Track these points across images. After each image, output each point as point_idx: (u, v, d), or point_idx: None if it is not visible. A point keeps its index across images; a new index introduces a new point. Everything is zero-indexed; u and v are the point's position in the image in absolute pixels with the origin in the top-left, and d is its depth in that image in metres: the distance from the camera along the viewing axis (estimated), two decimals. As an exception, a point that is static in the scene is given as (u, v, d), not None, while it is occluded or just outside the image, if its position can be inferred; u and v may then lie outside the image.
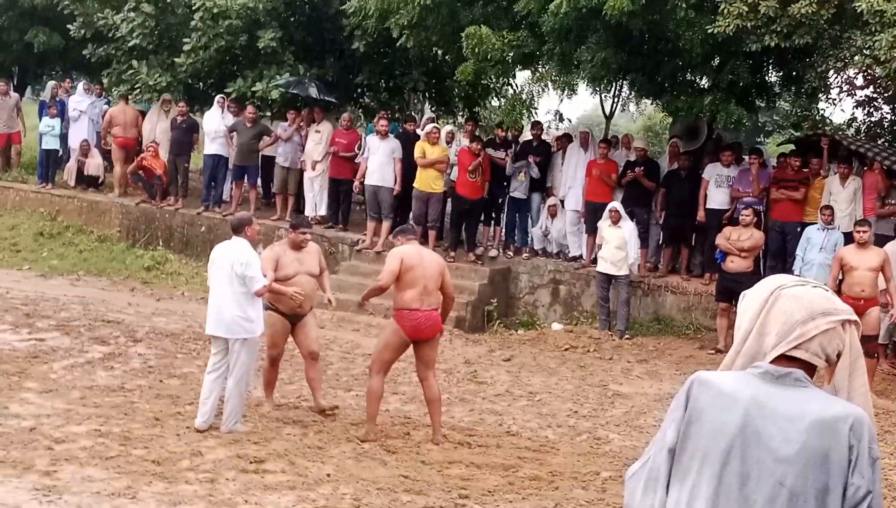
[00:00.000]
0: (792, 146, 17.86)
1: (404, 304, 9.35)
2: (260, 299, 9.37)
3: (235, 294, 9.16)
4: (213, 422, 9.20)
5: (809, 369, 2.87)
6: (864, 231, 12.77)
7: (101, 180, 21.22)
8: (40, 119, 21.63)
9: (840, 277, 12.87)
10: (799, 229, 14.73)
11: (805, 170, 15.30)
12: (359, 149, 17.74)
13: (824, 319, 2.85)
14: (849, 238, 13.51)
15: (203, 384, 9.37)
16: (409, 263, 9.39)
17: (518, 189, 16.83)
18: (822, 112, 23.62)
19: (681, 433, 2.84)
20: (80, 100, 21.13)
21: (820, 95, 19.64)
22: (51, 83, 22.94)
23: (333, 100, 19.66)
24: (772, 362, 2.85)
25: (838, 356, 2.89)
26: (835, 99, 22.95)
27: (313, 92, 18.77)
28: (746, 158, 15.86)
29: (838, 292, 13.18)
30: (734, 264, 14.14)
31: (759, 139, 34.68)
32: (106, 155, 22.07)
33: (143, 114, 21.76)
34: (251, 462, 8.31)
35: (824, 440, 2.71)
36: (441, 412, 9.69)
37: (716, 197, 15.63)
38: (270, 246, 10.30)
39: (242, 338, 9.20)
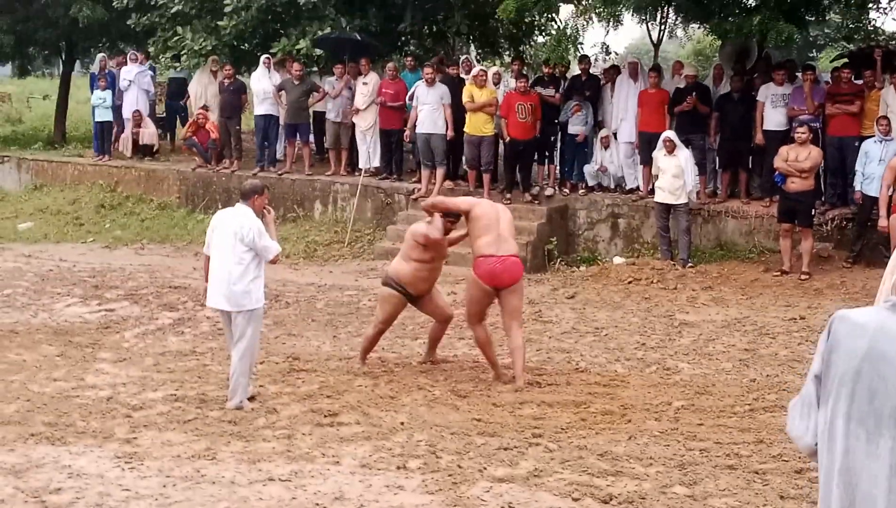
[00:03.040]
0: (846, 60, 17.53)
1: (479, 251, 9.40)
2: (262, 270, 8.87)
3: (240, 264, 8.67)
4: (252, 393, 8.95)
5: None
6: None
7: (156, 149, 21.42)
8: (91, 92, 21.82)
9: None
10: (857, 144, 14.49)
11: (859, 82, 15.03)
12: (410, 99, 17.58)
13: None
14: (909, 148, 13.31)
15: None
16: (481, 210, 9.51)
17: (576, 123, 16.65)
18: (873, 22, 23.14)
19: (824, 361, 3.22)
20: (128, 70, 21.27)
21: (870, 5, 19.23)
22: (99, 56, 23.05)
23: (374, 42, 19.55)
24: None
25: None
26: (885, 8, 22.41)
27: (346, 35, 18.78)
28: (800, 75, 15.60)
29: (890, 201, 13.04)
30: (795, 184, 13.97)
31: (811, 55, 34.05)
32: (159, 123, 22.26)
33: (178, 81, 22.00)
34: (325, 416, 8.41)
35: None
36: (524, 360, 9.66)
37: (772, 118, 15.40)
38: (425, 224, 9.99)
39: (248, 310, 8.74)
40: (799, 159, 13.95)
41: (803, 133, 14.02)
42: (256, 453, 7.49)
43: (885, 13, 24.41)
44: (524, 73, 17.56)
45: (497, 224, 9.46)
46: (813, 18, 18.64)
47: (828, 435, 3.21)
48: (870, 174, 13.88)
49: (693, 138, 15.63)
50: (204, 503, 6.46)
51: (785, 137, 14.99)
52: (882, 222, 13.14)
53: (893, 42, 20.06)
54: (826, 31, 31.78)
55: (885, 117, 14.07)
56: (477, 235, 9.44)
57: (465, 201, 9.82)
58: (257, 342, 9.11)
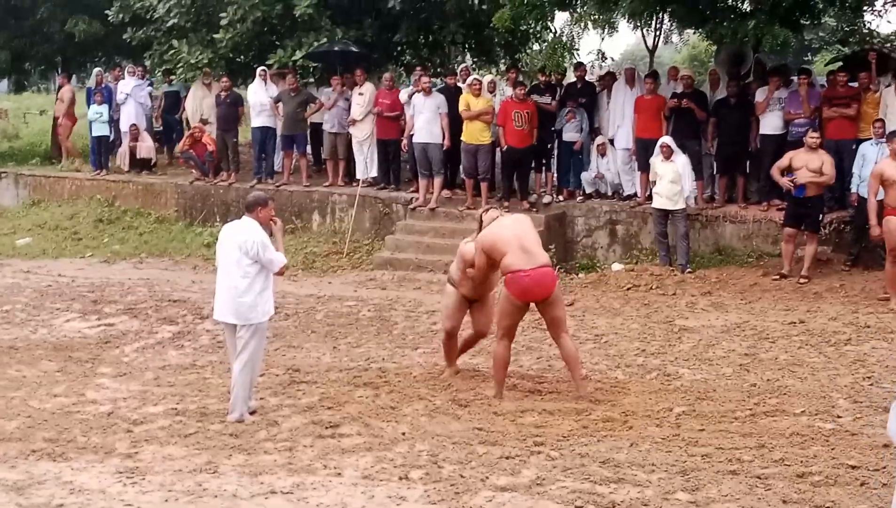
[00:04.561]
0: (840, 64, 17.56)
1: (507, 267, 9.10)
2: (270, 282, 8.85)
3: (245, 278, 8.62)
4: (253, 406, 8.94)
5: None
6: None
7: (153, 163, 21.43)
8: (88, 107, 21.85)
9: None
10: (854, 147, 14.50)
11: (854, 85, 15.04)
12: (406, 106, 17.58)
13: None
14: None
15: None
16: (493, 238, 9.20)
17: (571, 131, 16.63)
18: (868, 25, 23.18)
19: None
20: (125, 83, 21.32)
21: (865, 8, 19.24)
22: (96, 70, 23.11)
23: (354, 49, 19.48)
24: None
25: None
26: (880, 10, 22.44)
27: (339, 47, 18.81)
28: (795, 79, 15.62)
29: (881, 207, 12.96)
30: (808, 190, 13.93)
31: (806, 58, 34.13)
32: (156, 137, 22.25)
33: (172, 94, 22.01)
34: (327, 428, 8.41)
35: None
36: (581, 368, 9.55)
37: (769, 122, 15.40)
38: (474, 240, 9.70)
39: (255, 323, 8.72)
40: (810, 166, 13.87)
41: (815, 138, 13.96)
42: (258, 466, 7.49)
43: (880, 16, 24.55)
44: (521, 80, 17.57)
45: (515, 238, 9.14)
46: (808, 22, 18.65)
47: None
48: (867, 177, 13.85)
49: (689, 144, 15.63)
50: (206, 517, 6.46)
51: (782, 141, 15.03)
52: (874, 231, 13.02)
53: (888, 45, 20.05)
54: (821, 34, 31.86)
55: (881, 120, 14.09)
56: (499, 258, 9.13)
57: (474, 253, 9.38)
58: (260, 355, 9.06)
